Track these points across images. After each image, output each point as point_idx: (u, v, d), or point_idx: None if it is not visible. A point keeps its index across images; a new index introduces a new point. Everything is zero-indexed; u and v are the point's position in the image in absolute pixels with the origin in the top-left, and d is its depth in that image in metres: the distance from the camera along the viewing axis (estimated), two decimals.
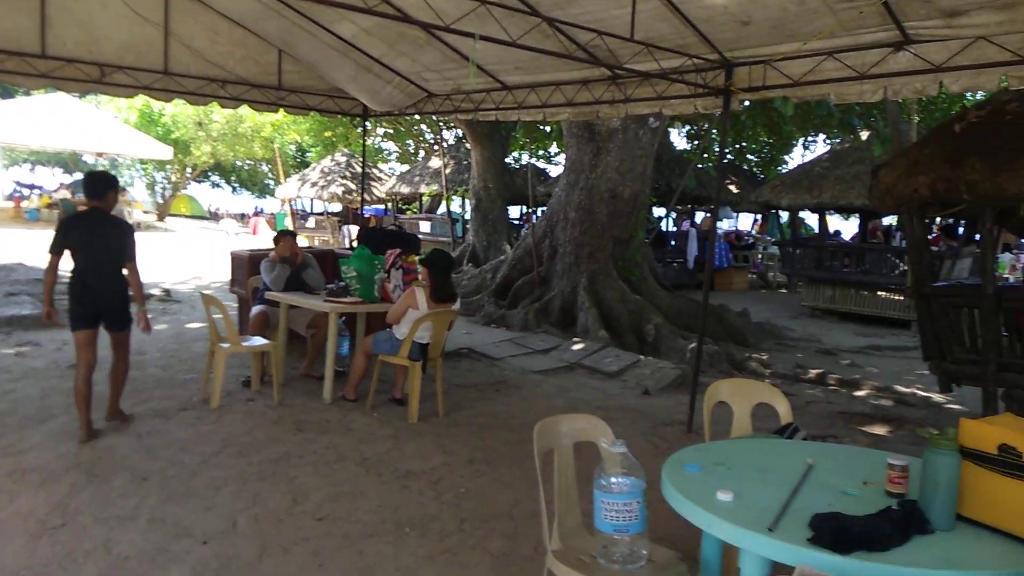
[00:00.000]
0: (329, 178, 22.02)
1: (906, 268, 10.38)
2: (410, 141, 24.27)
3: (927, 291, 4.44)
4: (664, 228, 16.75)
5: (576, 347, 8.05)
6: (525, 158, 18.66)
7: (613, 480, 2.28)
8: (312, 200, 25.17)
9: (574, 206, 9.67)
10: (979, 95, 9.17)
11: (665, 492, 2.26)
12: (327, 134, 24.35)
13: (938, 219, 6.95)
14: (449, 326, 5.51)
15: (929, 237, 8.90)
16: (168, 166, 28.39)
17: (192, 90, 7.34)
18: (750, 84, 5.12)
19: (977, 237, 13.76)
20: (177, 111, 25.07)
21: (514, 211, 20.98)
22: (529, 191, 11.19)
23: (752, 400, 3.35)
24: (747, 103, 5.68)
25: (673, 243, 16.40)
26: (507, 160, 17.16)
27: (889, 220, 14.50)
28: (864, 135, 11.72)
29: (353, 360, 5.77)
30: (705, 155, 22.71)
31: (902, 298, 10.81)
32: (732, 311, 9.89)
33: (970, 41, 4.03)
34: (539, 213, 12.86)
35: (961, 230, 12.63)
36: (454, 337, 8.03)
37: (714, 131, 16.52)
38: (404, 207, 22.93)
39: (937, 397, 6.56)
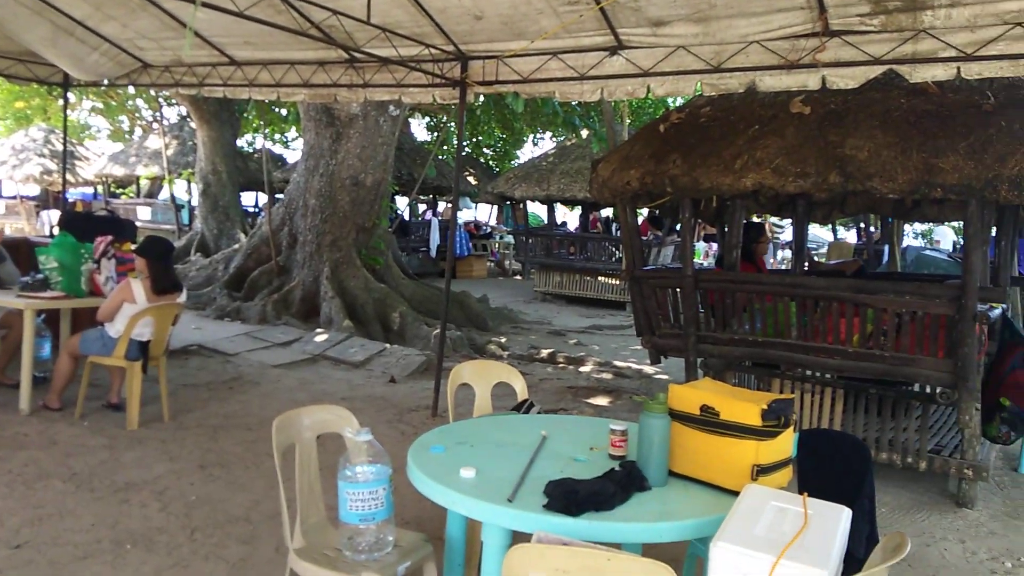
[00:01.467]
0: (23, 156, 19.06)
1: (621, 255, 11.52)
2: (124, 117, 21.79)
3: (638, 274, 4.94)
4: (407, 217, 16.86)
5: (319, 338, 7.81)
6: (260, 142, 17.66)
7: (358, 469, 2.24)
8: (1, 181, 21.65)
9: (314, 193, 9.35)
10: (679, 100, 10.39)
11: (411, 475, 2.27)
12: (19, 105, 21.03)
13: (644, 210, 7.77)
14: (174, 320, 5.04)
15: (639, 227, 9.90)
16: None
17: None
18: (484, 78, 5.31)
19: (679, 227, 15.66)
20: None
21: (249, 198, 19.80)
22: (265, 176, 10.60)
23: (492, 380, 3.48)
24: (482, 97, 5.90)
25: (416, 233, 16.59)
26: (240, 143, 16.12)
27: (607, 212, 15.94)
28: (584, 133, 12.76)
29: (56, 363, 5.05)
30: (444, 146, 23.32)
31: (618, 281, 11.97)
32: (473, 297, 10.24)
33: (672, 50, 4.54)
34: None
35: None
36: (181, 333, 7.38)
37: (452, 123, 17.02)
38: (118, 191, 20.55)
39: (649, 368, 7.35)
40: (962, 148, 3.63)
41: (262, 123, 13.07)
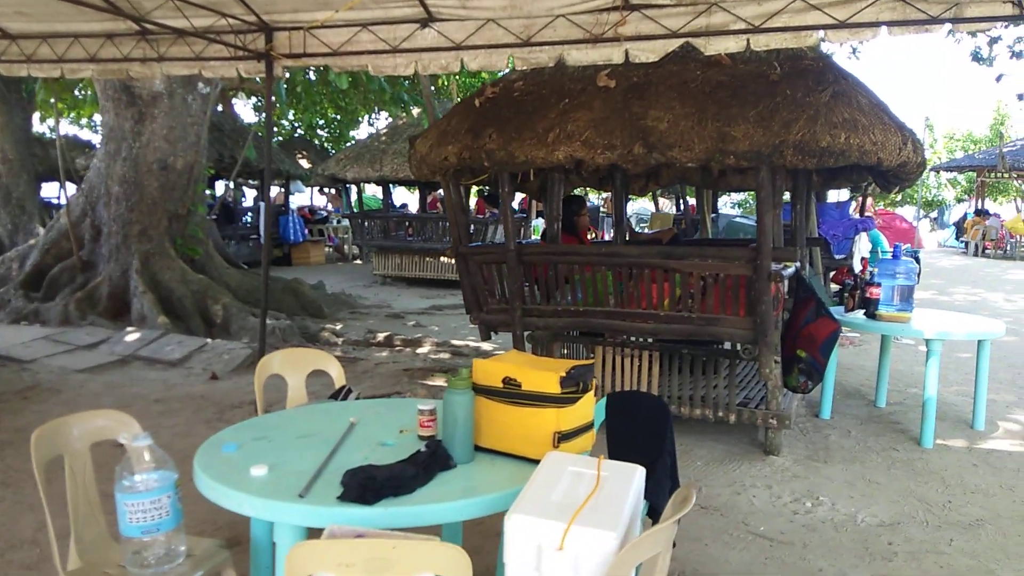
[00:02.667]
0: None
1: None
2: None
3: (463, 251, 4.89)
4: (235, 202, 15.92)
5: (130, 337, 7.19)
6: (63, 126, 15.97)
7: (138, 478, 2.02)
8: None
9: (117, 179, 8.56)
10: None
11: (196, 480, 2.08)
12: None
13: (473, 188, 7.76)
14: None
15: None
16: None
17: None
18: (291, 50, 5.02)
19: (515, 205, 15.86)
20: None
21: (52, 188, 17.90)
22: (60, 163, 9.57)
23: (305, 368, 3.30)
24: (312, 74, 5.59)
25: (244, 219, 15.71)
26: (42, 128, 14.50)
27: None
28: (417, 112, 12.57)
29: None
30: (275, 128, 22.18)
31: (446, 259, 11.92)
32: (307, 284, 9.84)
33: (482, 23, 4.49)
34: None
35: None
36: None
37: (282, 103, 16.18)
38: None
39: (487, 345, 7.37)
40: (752, 116, 3.84)
41: (53, 104, 11.76)
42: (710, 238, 8.83)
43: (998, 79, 11.11)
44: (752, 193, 16.70)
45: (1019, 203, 25.73)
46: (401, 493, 1.92)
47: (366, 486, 1.89)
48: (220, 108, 16.84)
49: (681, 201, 13.59)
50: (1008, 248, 21.02)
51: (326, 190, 22.66)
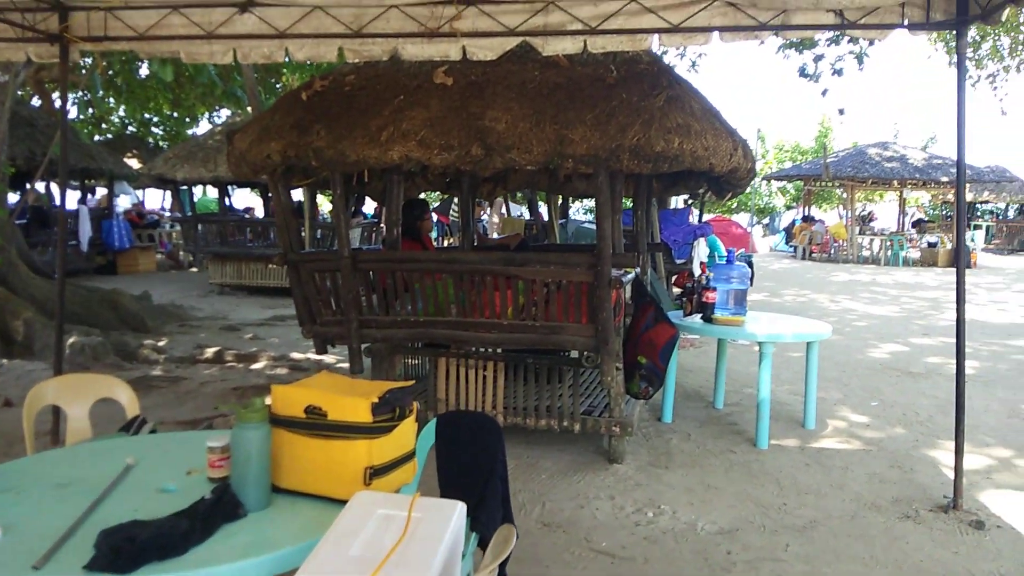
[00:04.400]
0: None
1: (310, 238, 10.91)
2: None
3: (293, 258, 4.50)
4: (47, 206, 14.35)
5: None
6: None
7: None
8: None
9: None
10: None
11: None
12: None
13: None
14: None
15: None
16: None
17: None
18: (90, 33, 4.43)
19: (365, 209, 15.36)
20: None
21: None
22: None
23: (89, 397, 2.84)
24: (117, 62, 4.97)
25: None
26: None
27: (298, 196, 15.09)
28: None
29: None
30: (103, 124, 20.30)
31: (274, 267, 11.26)
32: (128, 295, 8.95)
33: (308, 10, 4.13)
34: None
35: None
36: None
37: (111, 98, 14.77)
38: None
39: (329, 358, 6.95)
40: (589, 120, 3.74)
41: None
42: (557, 243, 8.85)
43: (823, 94, 11.94)
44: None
45: (841, 210, 28.09)
46: (169, 556, 1.58)
47: (121, 549, 1.54)
48: (39, 102, 15.20)
49: (532, 205, 13.66)
50: (832, 252, 22.87)
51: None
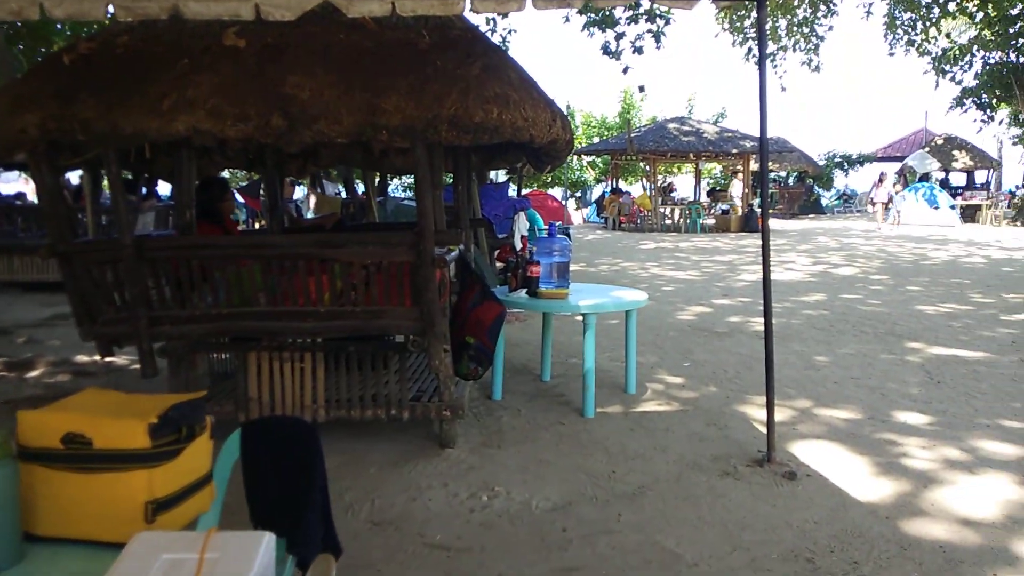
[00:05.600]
0: None
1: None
2: None
3: (64, 249, 3.88)
4: None
5: None
6: None
7: None
8: None
9: None
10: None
11: None
12: None
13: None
14: None
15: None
16: None
17: None
18: None
19: (158, 191, 14.03)
20: None
21: None
22: None
23: None
24: None
25: None
26: None
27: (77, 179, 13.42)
28: None
29: None
30: None
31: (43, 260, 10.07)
32: None
33: None
34: None
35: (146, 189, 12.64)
36: None
37: None
38: None
39: (121, 359, 6.20)
40: (403, 88, 3.49)
41: None
42: (376, 222, 8.51)
43: (625, 71, 12.40)
44: None
45: (645, 182, 29.71)
46: None
47: None
48: None
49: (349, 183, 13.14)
50: (639, 222, 24.16)
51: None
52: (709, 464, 3.99)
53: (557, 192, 32.40)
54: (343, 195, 14.09)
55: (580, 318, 4.91)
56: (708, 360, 6.34)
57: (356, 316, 3.91)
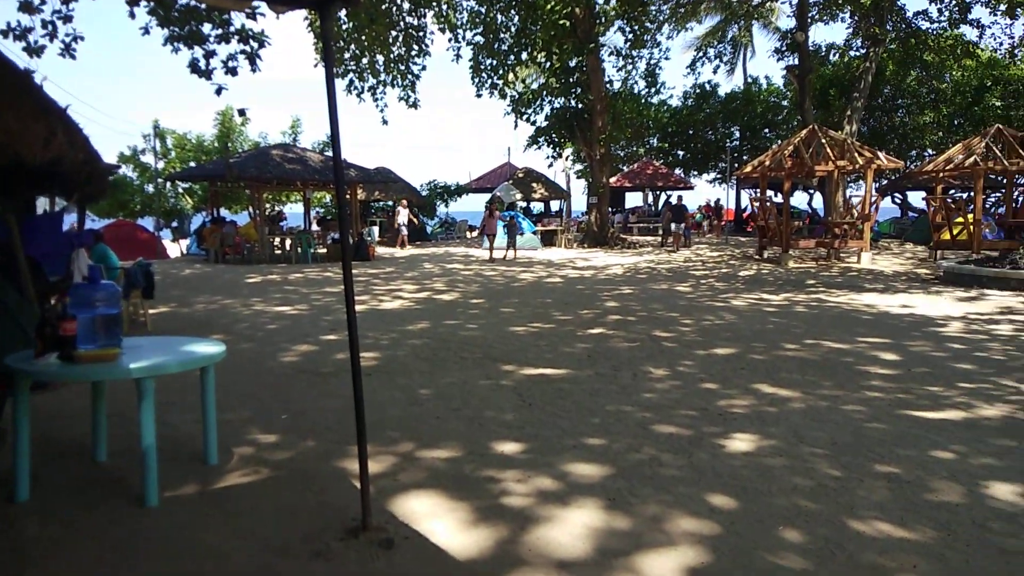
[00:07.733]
0: None
1: None
2: None
3: None
4: None
5: None
6: None
7: None
8: None
9: None
10: None
11: None
12: None
13: None
14: None
15: None
16: None
17: None
18: None
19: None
20: None
21: None
22: None
23: None
24: None
25: None
26: None
27: None
28: None
29: None
30: None
31: None
32: None
33: None
34: None
35: None
36: None
37: None
38: None
39: None
40: None
41: None
42: None
43: (218, 92, 11.28)
44: None
45: (252, 210, 28.15)
46: None
47: None
48: None
49: None
50: (245, 253, 22.65)
51: None
52: (299, 546, 3.38)
53: (148, 222, 29.02)
54: None
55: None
56: (309, 408, 5.75)
57: None
